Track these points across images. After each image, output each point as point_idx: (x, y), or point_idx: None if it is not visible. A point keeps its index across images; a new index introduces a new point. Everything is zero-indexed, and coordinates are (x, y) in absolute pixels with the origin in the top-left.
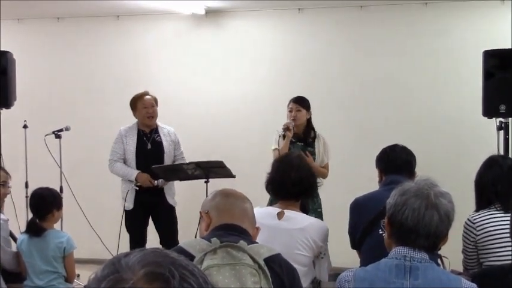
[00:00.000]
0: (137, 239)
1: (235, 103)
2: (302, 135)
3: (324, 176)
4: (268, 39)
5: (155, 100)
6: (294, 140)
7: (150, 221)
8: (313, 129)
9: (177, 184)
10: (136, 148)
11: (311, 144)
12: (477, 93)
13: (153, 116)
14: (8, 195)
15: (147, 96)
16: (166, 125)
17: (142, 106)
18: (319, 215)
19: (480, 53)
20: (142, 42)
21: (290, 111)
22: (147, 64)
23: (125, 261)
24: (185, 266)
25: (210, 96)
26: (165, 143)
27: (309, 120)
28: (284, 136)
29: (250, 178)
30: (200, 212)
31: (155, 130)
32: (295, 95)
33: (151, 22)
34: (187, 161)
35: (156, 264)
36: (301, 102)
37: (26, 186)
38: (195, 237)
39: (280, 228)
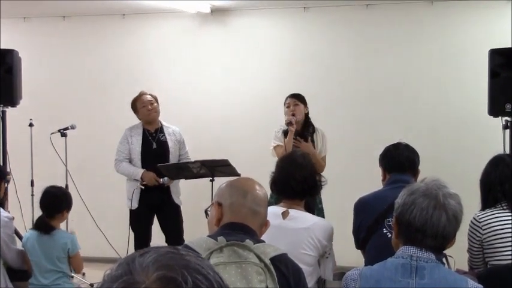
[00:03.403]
0: (141, 238)
1: (241, 101)
2: (300, 131)
3: (321, 168)
4: (274, 38)
5: (154, 97)
6: (293, 137)
7: (155, 220)
8: (311, 124)
9: (182, 183)
10: (141, 148)
11: (310, 139)
12: (483, 92)
13: (155, 111)
14: (14, 193)
15: (145, 95)
16: (171, 124)
17: (141, 105)
18: (320, 211)
19: (486, 51)
20: (147, 41)
21: (288, 107)
22: (152, 62)
23: (139, 261)
24: (199, 270)
25: (215, 95)
26: (170, 143)
27: (307, 116)
28: (286, 132)
29: (256, 177)
30: (213, 202)
31: (160, 129)
32: (300, 93)
33: (157, 21)
34: (193, 160)
35: (169, 268)
36: (297, 97)
37: (32, 184)
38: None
39: (285, 228)
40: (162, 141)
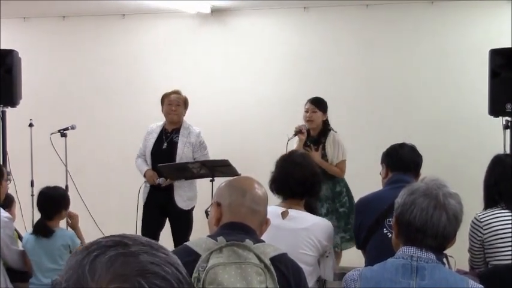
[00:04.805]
0: (147, 236)
1: (241, 101)
2: (317, 137)
3: (338, 175)
4: (274, 38)
5: (183, 100)
6: (308, 143)
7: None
8: (328, 131)
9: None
10: (153, 147)
11: (322, 147)
12: (483, 92)
13: (175, 113)
14: (14, 194)
15: (175, 94)
16: (195, 126)
17: (167, 102)
18: (341, 215)
19: (486, 51)
20: (147, 41)
21: (306, 112)
22: (152, 63)
23: (89, 271)
24: (156, 272)
25: (215, 95)
26: (179, 144)
27: (325, 122)
28: (301, 137)
29: (257, 177)
30: (212, 202)
31: (177, 130)
32: (300, 94)
33: (157, 21)
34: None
35: (124, 279)
36: (317, 104)
37: (32, 184)
38: None
39: (285, 228)
40: (173, 142)
